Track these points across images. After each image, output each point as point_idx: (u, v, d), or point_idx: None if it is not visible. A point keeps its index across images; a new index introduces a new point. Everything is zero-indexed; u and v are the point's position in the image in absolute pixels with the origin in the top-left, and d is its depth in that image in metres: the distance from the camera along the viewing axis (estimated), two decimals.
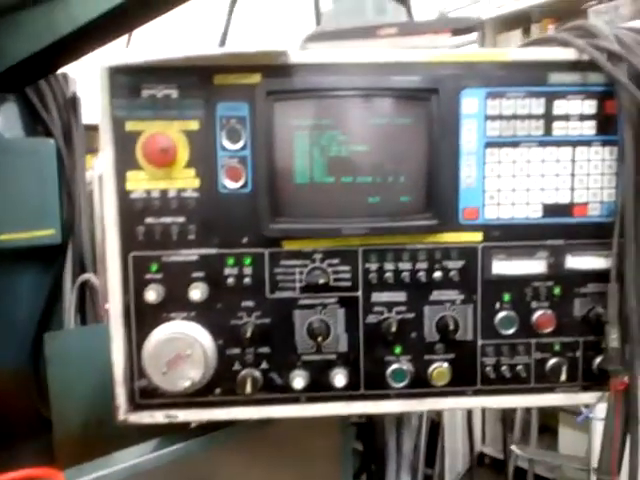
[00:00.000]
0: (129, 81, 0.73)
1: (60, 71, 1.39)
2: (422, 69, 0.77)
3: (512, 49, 0.79)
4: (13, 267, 1.45)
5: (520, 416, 2.34)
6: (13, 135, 1.44)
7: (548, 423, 2.56)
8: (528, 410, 2.25)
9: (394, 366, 0.80)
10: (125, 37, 1.24)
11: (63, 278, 1.47)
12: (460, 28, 0.79)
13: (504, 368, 0.82)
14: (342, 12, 0.89)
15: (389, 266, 0.79)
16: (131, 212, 0.76)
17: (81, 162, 1.44)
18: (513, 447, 2.32)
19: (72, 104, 1.42)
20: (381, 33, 0.79)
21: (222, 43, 1.01)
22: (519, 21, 3.08)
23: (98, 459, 0.79)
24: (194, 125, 0.75)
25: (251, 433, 0.86)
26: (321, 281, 0.77)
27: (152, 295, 0.75)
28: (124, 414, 0.78)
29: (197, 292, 0.76)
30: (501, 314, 0.81)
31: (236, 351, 0.79)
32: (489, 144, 0.79)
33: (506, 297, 0.81)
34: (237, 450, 0.88)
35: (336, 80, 0.75)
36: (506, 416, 1.74)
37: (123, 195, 0.75)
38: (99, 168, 0.72)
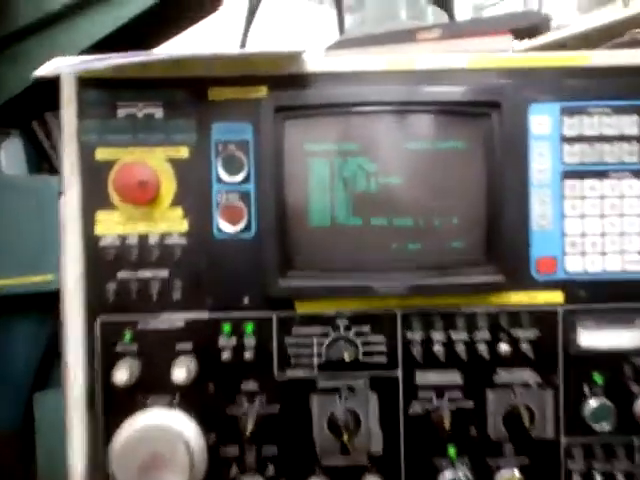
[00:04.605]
0: (101, 97, 0.64)
1: None
2: (475, 78, 0.66)
3: (596, 52, 0.68)
4: (6, 316, 1.37)
5: None
6: (15, 172, 1.41)
7: None
8: None
9: (448, 473, 0.68)
10: None
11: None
12: (522, 28, 0.64)
13: (599, 478, 0.69)
14: (369, 19, 0.80)
15: (438, 336, 0.68)
16: (100, 264, 0.66)
17: None
18: None
19: None
20: (420, 37, 0.66)
21: None
22: None
23: None
24: (183, 152, 0.66)
25: None
26: (347, 356, 0.67)
27: (124, 374, 0.63)
28: None
29: (182, 370, 0.64)
30: (592, 402, 0.69)
31: (233, 451, 0.68)
32: (568, 174, 0.68)
33: (598, 379, 0.69)
34: None
35: (363, 93, 0.66)
36: None
37: (91, 241, 0.66)
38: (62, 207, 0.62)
